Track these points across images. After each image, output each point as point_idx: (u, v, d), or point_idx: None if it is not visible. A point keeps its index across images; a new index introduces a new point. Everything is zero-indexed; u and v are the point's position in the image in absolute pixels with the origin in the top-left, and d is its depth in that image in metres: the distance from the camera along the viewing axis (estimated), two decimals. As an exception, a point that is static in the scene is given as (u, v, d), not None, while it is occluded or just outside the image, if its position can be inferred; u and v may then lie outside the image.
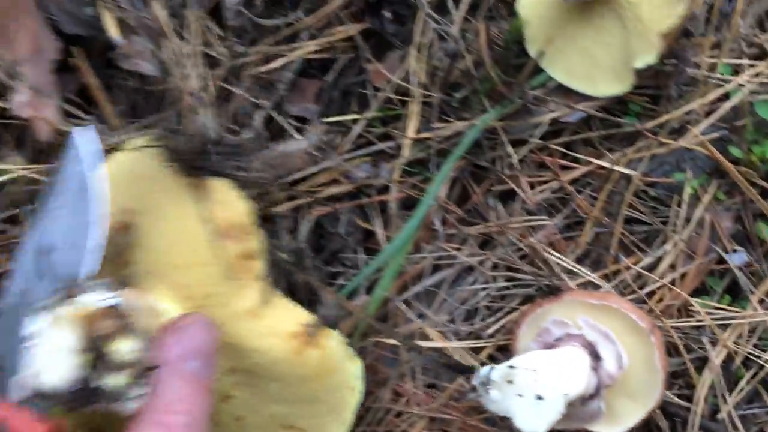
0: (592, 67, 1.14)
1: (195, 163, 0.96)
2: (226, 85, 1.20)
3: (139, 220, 0.99)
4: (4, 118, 1.16)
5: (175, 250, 0.98)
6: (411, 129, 1.20)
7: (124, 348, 0.82)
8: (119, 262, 0.98)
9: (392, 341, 1.13)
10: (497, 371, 0.96)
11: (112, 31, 1.17)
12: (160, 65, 1.18)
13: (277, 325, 0.97)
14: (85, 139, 0.96)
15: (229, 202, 0.98)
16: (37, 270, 0.96)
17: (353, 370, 1.03)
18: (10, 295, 0.95)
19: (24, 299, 0.95)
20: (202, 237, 0.97)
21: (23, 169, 1.12)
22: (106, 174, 0.98)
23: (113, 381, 0.81)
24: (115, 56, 1.18)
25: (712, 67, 1.15)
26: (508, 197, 1.21)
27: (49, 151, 1.17)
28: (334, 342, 1.00)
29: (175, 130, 0.99)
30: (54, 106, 1.11)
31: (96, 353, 0.81)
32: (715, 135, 1.13)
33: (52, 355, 0.81)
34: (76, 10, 1.19)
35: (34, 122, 1.11)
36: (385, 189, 1.20)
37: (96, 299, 0.84)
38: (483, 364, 1.13)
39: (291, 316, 1.00)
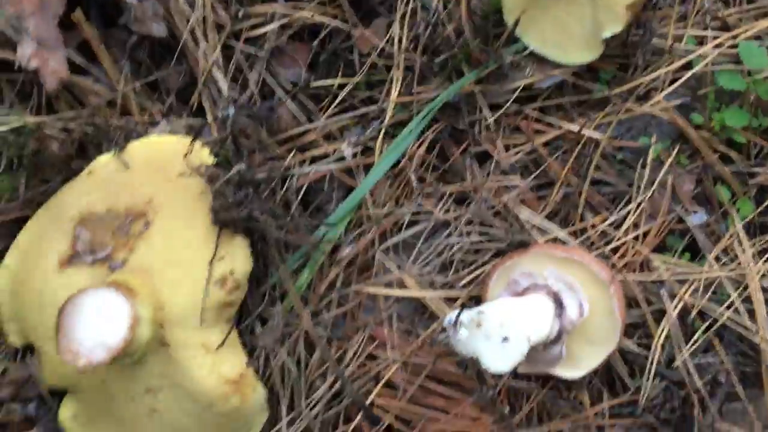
0: (564, 36, 1.21)
1: (231, 215, 1.07)
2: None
3: (153, 214, 1.08)
4: (10, 71, 1.23)
5: (174, 257, 1.08)
6: (393, 92, 1.27)
7: None
8: (125, 246, 1.07)
9: (371, 290, 1.20)
10: (467, 314, 1.03)
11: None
12: (169, 28, 1.24)
13: (220, 366, 1.10)
14: None
15: (237, 258, 1.10)
16: None
17: (259, 418, 1.16)
18: None
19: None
20: (202, 263, 1.08)
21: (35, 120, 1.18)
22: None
23: None
24: (126, 19, 1.25)
25: (678, 38, 1.22)
26: (483, 158, 1.29)
27: (53, 103, 1.24)
28: (255, 396, 1.13)
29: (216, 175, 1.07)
30: (61, 57, 1.17)
31: None
32: (679, 102, 1.21)
33: None
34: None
35: (41, 73, 1.16)
36: (368, 150, 1.27)
37: None
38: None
39: (236, 361, 1.12)
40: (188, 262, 1.08)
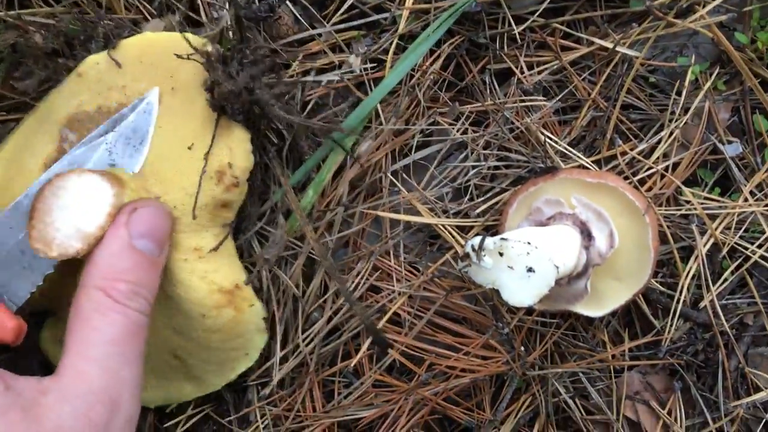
0: (603, -62, 1.09)
1: (233, 104, 0.94)
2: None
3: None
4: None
5: (167, 151, 0.96)
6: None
7: None
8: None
9: (378, 213, 1.09)
10: (491, 239, 0.93)
11: None
12: None
13: (213, 273, 0.99)
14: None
15: (238, 153, 0.98)
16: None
17: (257, 340, 1.06)
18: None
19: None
20: (198, 157, 0.96)
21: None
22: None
23: None
24: None
25: (726, -52, 1.11)
26: (504, 78, 1.17)
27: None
28: (251, 312, 1.02)
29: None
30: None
31: None
32: (723, 18, 1.10)
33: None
34: None
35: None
36: (380, 63, 1.15)
37: None
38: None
39: (230, 272, 1.01)
40: (183, 155, 0.96)
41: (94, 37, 1.03)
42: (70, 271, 0.92)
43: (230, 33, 1.01)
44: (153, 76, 0.97)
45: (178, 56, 0.93)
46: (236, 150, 0.97)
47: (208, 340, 1.01)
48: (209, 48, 0.93)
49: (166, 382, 1.07)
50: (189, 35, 0.96)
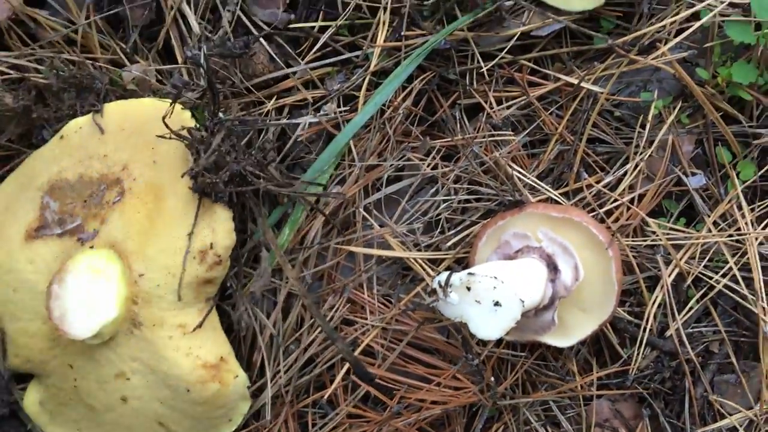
0: (566, -20, 1.12)
1: (215, 188, 0.97)
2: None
3: (129, 182, 0.98)
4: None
5: (150, 228, 0.98)
6: (380, 37, 1.17)
7: None
8: (96, 217, 0.97)
9: (351, 248, 1.12)
10: (457, 275, 0.96)
11: None
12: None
13: (197, 349, 1.01)
14: None
15: (220, 232, 1.00)
16: None
17: (241, 407, 1.08)
18: None
19: None
20: (180, 235, 0.98)
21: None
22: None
23: None
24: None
25: (685, -13, 1.15)
26: (473, 112, 1.20)
27: (4, 37, 1.12)
28: (236, 383, 1.04)
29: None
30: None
31: None
32: (684, 55, 1.13)
33: None
34: None
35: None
36: (352, 99, 1.18)
37: None
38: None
39: (214, 346, 1.03)
40: (165, 234, 0.98)
41: (68, 89, 1.05)
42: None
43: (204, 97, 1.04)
44: (135, 146, 0.98)
45: (160, 136, 0.95)
46: (218, 230, 0.99)
47: (193, 411, 1.02)
48: (190, 127, 0.95)
49: None
50: (172, 107, 0.97)
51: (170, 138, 0.96)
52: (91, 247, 0.95)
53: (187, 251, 0.97)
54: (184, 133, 0.97)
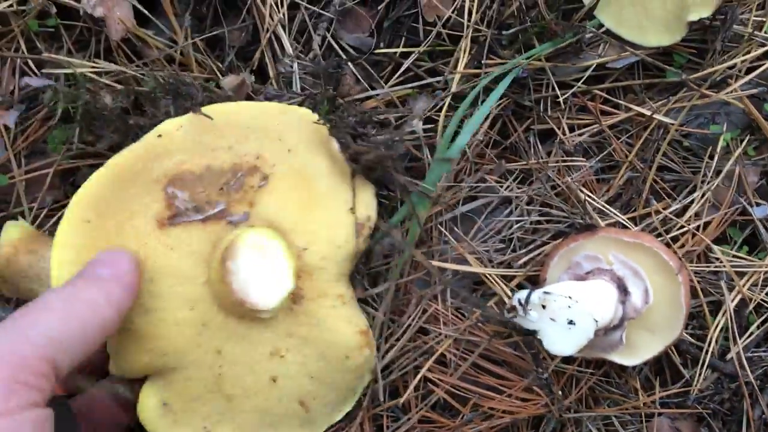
0: (643, 16, 1.18)
1: (376, 172, 1.07)
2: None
3: (268, 168, 1.06)
4: (70, 18, 1.19)
5: (308, 206, 1.06)
6: (461, 64, 1.24)
7: None
8: (242, 200, 1.04)
9: (433, 262, 1.18)
10: (535, 295, 1.02)
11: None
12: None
13: (355, 317, 1.09)
14: None
15: (372, 206, 1.10)
16: None
17: (366, 379, 1.14)
18: None
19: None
20: (337, 210, 1.07)
21: (90, 68, 1.15)
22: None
23: None
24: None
25: (758, 26, 1.20)
26: (546, 137, 1.26)
27: (113, 53, 1.20)
28: (374, 351, 1.12)
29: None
30: (127, 7, 1.13)
31: None
32: (754, 91, 1.18)
33: None
34: None
35: (107, 22, 1.13)
36: (430, 120, 1.25)
37: None
38: (513, 291, 1.19)
39: (361, 315, 1.11)
40: (324, 209, 1.06)
41: (165, 95, 1.12)
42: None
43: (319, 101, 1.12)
44: (259, 139, 1.06)
45: (316, 123, 1.07)
46: (370, 203, 1.09)
47: (341, 381, 1.08)
48: (334, 120, 1.06)
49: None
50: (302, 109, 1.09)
51: (323, 124, 1.07)
52: (251, 227, 1.01)
53: (355, 223, 1.06)
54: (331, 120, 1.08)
